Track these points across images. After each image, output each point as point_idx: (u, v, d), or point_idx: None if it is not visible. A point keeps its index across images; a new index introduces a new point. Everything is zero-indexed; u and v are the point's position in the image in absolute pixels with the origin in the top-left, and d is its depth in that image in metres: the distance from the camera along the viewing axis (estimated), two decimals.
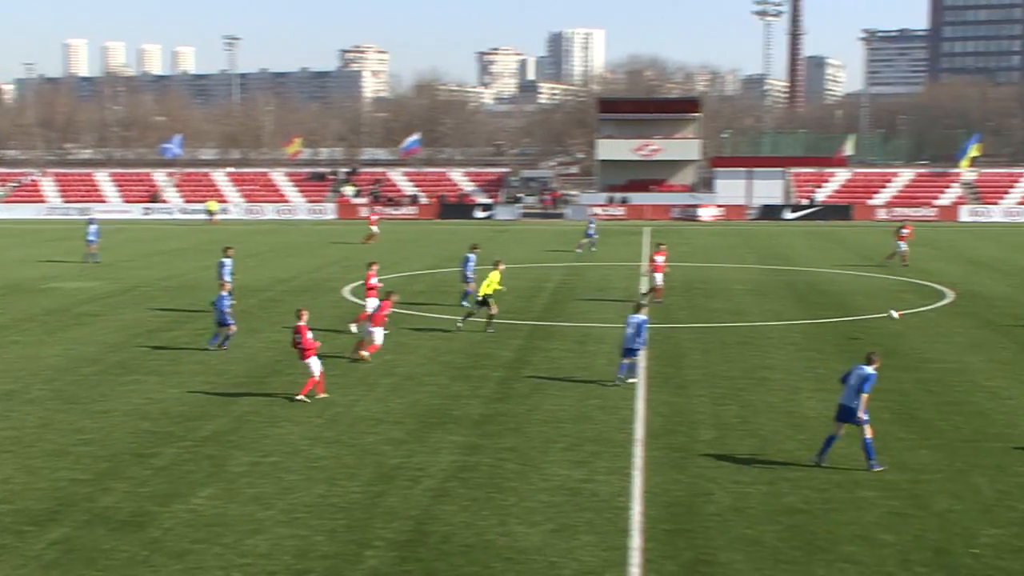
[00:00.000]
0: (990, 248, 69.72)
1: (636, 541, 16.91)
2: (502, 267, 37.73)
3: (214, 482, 19.76)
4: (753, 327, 37.34)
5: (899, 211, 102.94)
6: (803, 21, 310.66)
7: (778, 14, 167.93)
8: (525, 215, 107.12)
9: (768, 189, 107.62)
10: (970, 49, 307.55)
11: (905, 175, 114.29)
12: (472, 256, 41.91)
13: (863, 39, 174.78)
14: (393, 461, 21.01)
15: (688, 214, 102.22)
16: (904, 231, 58.57)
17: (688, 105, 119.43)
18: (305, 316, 27.15)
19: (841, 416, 20.69)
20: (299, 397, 25.94)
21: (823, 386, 27.67)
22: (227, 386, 27.68)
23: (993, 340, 34.72)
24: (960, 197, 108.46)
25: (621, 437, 22.75)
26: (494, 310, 35.93)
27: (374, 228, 74.80)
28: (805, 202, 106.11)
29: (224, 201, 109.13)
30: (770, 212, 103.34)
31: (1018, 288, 48.20)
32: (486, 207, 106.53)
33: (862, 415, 20.42)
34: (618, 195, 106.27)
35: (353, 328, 34.67)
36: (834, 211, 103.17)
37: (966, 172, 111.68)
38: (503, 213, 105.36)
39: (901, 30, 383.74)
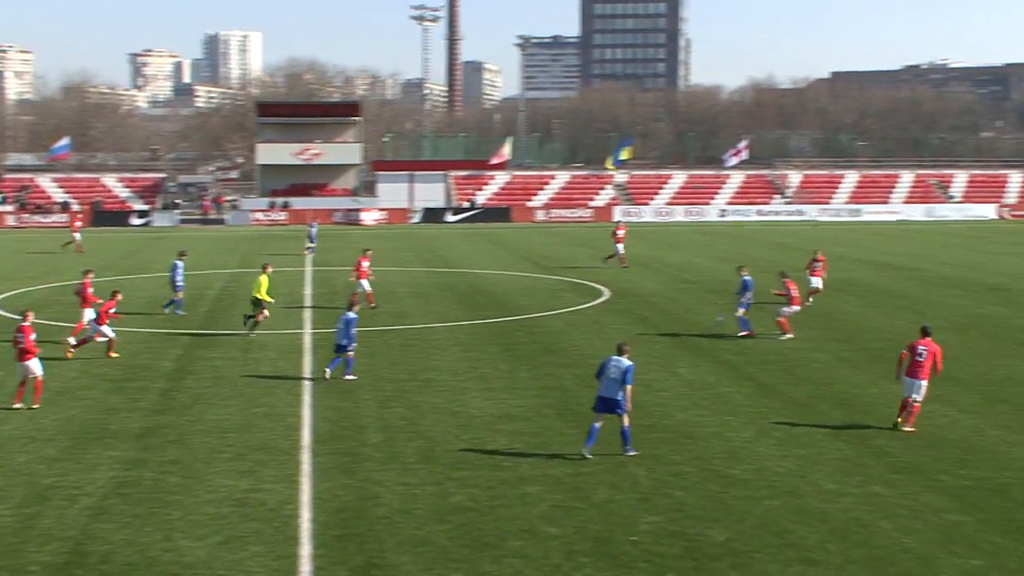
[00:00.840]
0: (642, 247, 72.61)
1: (306, 549, 16.69)
2: (270, 270, 37.90)
3: None
4: (417, 329, 37.60)
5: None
6: (460, 26, 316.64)
7: (435, 19, 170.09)
8: (184, 221, 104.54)
9: (430, 192, 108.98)
10: (619, 56, 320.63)
11: (562, 177, 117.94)
12: (180, 263, 41.64)
13: (518, 45, 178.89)
14: (47, 480, 20.01)
15: (351, 218, 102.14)
16: (619, 232, 60.02)
17: (348, 109, 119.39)
18: (30, 317, 26.37)
19: (602, 407, 21.33)
20: (35, 405, 25.28)
21: (488, 385, 28.14)
22: None
23: (647, 335, 36.12)
24: (614, 198, 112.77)
25: (288, 444, 22.44)
26: (263, 315, 36.10)
27: (76, 236, 71.57)
28: (466, 204, 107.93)
29: None
30: (432, 215, 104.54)
31: (667, 285, 50.41)
32: (142, 214, 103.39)
33: (629, 406, 21.43)
34: (280, 200, 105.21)
35: (72, 341, 32.85)
36: (494, 213, 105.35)
37: (618, 174, 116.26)
38: (160, 220, 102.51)
39: (554, 37, 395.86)
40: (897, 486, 19.67)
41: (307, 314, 41.13)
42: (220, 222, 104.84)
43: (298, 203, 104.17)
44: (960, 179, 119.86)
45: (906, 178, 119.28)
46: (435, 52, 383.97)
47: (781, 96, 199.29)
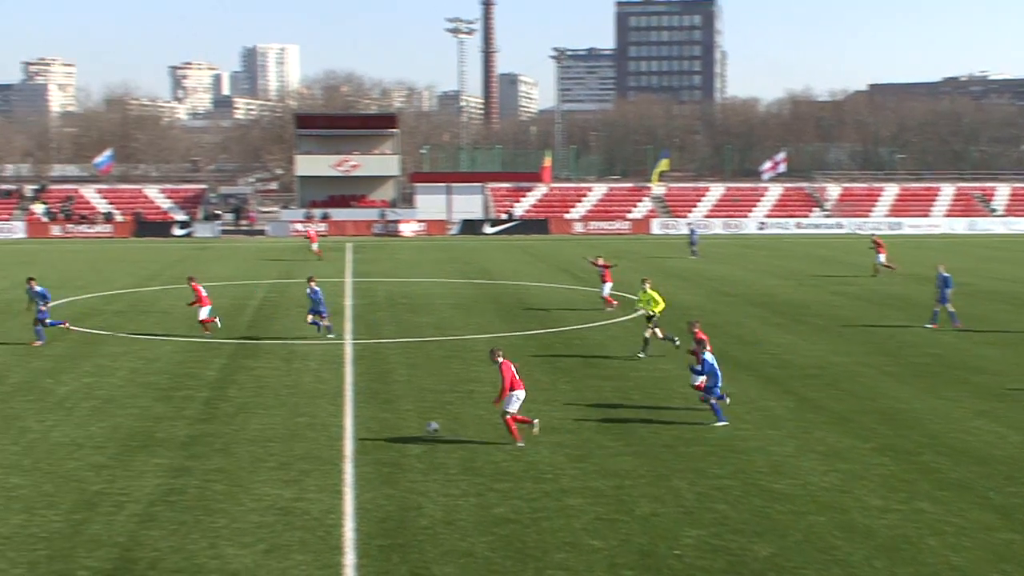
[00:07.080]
0: (682, 260, 72.43)
1: (350, 558, 16.77)
2: (648, 284, 37.37)
3: None
4: (459, 340, 37.67)
5: (595, 224, 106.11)
6: (495, 39, 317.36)
7: (471, 32, 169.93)
8: (224, 232, 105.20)
9: (468, 204, 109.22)
10: (655, 69, 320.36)
11: (599, 189, 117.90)
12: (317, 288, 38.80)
13: (554, 57, 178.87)
14: (95, 487, 20.21)
15: (390, 230, 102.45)
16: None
17: (386, 121, 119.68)
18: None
19: None
20: None
21: (528, 397, 28.10)
22: None
23: (684, 347, 35.99)
24: (651, 211, 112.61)
25: (331, 454, 22.56)
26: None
27: (314, 245, 74.70)
28: (504, 216, 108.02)
29: None
30: (470, 227, 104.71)
31: (707, 297, 50.26)
32: (184, 224, 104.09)
33: None
34: (318, 211, 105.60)
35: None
36: (532, 225, 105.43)
37: (656, 187, 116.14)
38: (202, 230, 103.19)
39: (590, 49, 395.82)
40: (945, 503, 19.49)
41: (348, 325, 41.28)
42: (260, 233, 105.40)
43: (338, 214, 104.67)
44: (1002, 192, 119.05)
45: (947, 191, 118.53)
46: (471, 64, 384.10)
47: (819, 108, 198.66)
